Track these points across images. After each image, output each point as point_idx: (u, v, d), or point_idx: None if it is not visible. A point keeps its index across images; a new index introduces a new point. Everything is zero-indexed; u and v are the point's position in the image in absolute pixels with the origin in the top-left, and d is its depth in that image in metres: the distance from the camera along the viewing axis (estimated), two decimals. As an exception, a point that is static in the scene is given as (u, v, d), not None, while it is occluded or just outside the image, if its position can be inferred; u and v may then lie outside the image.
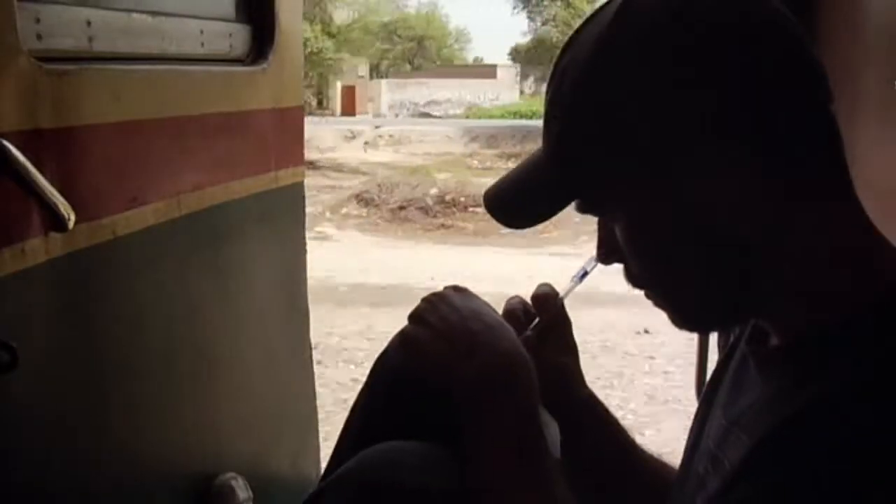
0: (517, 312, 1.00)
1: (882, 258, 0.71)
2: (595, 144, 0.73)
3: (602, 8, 0.75)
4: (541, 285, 1.03)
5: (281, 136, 1.81)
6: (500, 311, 0.97)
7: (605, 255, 0.80)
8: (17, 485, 1.08)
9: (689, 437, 0.91)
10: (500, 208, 0.81)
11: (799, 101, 0.69)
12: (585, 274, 1.04)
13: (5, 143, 0.98)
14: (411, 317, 0.90)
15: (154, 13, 1.39)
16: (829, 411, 0.61)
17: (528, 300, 1.02)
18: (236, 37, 1.66)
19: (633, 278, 0.78)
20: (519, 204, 0.81)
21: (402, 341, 0.90)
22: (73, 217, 1.06)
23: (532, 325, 0.99)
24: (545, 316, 1.00)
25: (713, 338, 1.84)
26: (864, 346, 0.65)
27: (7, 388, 1.02)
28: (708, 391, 0.91)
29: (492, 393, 0.82)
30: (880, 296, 0.67)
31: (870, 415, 0.59)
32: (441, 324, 0.86)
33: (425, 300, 0.91)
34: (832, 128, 0.71)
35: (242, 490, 1.56)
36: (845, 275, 0.70)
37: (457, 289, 0.93)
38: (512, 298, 1.02)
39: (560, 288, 1.03)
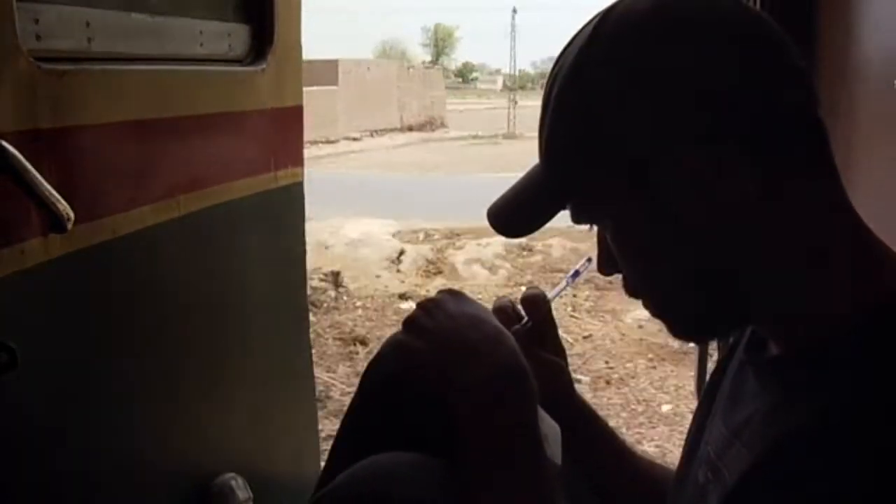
0: (507, 310, 1.00)
1: (881, 267, 0.69)
2: (576, 150, 0.73)
3: (594, 17, 0.76)
4: (530, 288, 1.04)
5: (280, 135, 1.81)
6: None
7: (605, 265, 0.80)
8: (16, 484, 1.08)
9: (687, 440, 0.90)
10: (495, 217, 0.81)
11: (783, 107, 0.68)
12: (577, 274, 1.05)
13: (4, 143, 0.98)
14: (406, 323, 0.88)
15: (153, 13, 1.39)
16: (828, 428, 0.60)
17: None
18: (235, 37, 1.66)
19: (629, 288, 0.78)
20: (511, 211, 0.81)
21: (397, 349, 0.87)
22: (72, 217, 1.06)
23: (521, 324, 0.99)
24: (534, 317, 1.00)
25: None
26: (862, 357, 0.64)
27: (6, 388, 1.02)
28: (706, 394, 0.90)
29: (489, 403, 0.80)
30: (880, 305, 0.66)
31: (868, 432, 0.59)
32: (437, 332, 0.85)
33: (420, 306, 0.89)
34: (819, 133, 0.70)
35: (242, 490, 1.56)
36: (844, 283, 0.68)
37: (453, 293, 0.91)
38: (501, 298, 1.02)
39: (548, 289, 1.04)
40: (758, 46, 0.69)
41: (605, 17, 0.73)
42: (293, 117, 1.87)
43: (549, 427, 0.88)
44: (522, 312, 1.01)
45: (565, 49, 0.76)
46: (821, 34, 1.61)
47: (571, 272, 1.05)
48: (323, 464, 1.09)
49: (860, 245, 0.70)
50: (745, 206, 0.68)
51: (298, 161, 1.88)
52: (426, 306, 0.88)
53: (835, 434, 0.59)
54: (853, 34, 1.67)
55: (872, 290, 0.68)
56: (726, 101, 0.67)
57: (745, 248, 0.69)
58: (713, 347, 1.94)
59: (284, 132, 1.83)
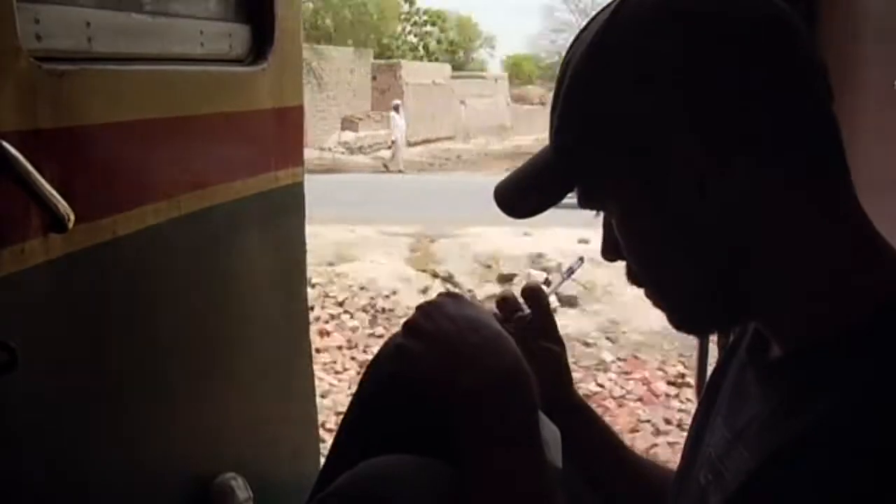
0: (510, 301, 1.01)
1: (883, 267, 0.69)
2: (585, 137, 0.73)
3: (611, 3, 0.76)
4: (529, 281, 1.05)
5: (281, 136, 1.81)
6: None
7: (608, 251, 0.80)
8: (16, 484, 1.08)
9: (688, 440, 0.90)
10: (501, 197, 0.81)
11: (795, 101, 0.68)
12: (572, 271, 1.08)
13: (4, 143, 0.98)
14: (405, 327, 0.87)
15: (154, 13, 1.39)
16: (829, 435, 0.60)
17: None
18: (236, 37, 1.66)
19: (632, 276, 0.78)
20: (518, 192, 0.81)
21: (397, 353, 0.86)
22: (72, 217, 1.06)
23: (524, 314, 1.01)
24: (535, 309, 1.01)
25: (713, 336, 1.84)
26: (863, 360, 0.63)
27: (7, 388, 1.02)
28: (707, 393, 0.90)
29: (490, 407, 0.80)
30: (882, 305, 0.66)
31: (868, 437, 0.58)
32: (437, 335, 0.84)
33: (419, 309, 0.88)
34: (831, 128, 0.69)
35: (242, 490, 1.56)
36: (845, 282, 0.68)
37: (452, 296, 0.90)
38: (505, 290, 1.03)
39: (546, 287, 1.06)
40: (773, 44, 0.68)
41: (623, 2, 0.72)
42: (293, 117, 1.87)
43: (550, 432, 0.88)
44: (523, 304, 1.02)
45: (581, 33, 0.76)
46: (821, 34, 1.61)
47: (566, 269, 1.08)
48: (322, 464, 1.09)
49: (863, 245, 0.70)
50: (746, 205, 0.68)
51: (299, 161, 1.88)
52: (425, 309, 0.87)
53: (836, 441, 0.59)
54: (854, 33, 1.67)
55: (874, 291, 0.67)
56: (733, 101, 0.66)
57: (745, 247, 0.69)
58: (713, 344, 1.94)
59: (285, 132, 1.83)
